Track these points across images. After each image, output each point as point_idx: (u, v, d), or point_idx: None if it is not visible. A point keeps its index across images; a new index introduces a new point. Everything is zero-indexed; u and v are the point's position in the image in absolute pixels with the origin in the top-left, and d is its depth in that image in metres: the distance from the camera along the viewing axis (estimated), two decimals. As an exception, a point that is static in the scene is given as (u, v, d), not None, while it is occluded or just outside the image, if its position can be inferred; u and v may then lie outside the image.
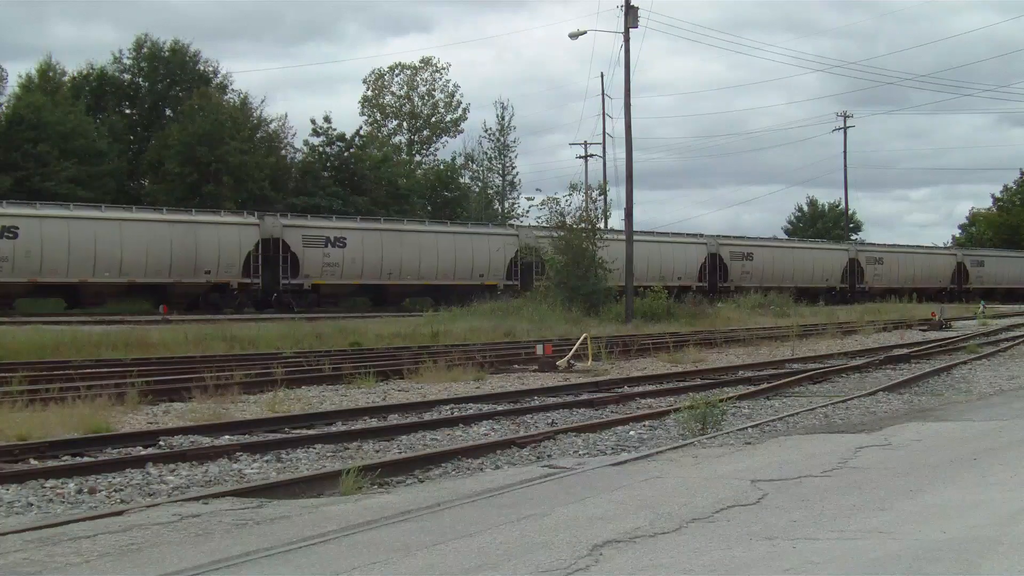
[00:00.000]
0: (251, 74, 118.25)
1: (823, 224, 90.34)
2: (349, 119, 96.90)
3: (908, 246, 71.08)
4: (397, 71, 77.19)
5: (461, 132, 78.19)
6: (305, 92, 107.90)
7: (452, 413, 13.04)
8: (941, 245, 76.57)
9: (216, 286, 40.32)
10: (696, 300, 42.19)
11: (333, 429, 11.69)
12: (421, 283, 45.54)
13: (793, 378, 17.00)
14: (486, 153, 77.43)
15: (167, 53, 59.29)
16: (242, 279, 40.57)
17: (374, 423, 12.24)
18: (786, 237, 75.97)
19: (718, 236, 58.26)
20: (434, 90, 77.21)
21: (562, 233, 37.64)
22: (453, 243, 46.78)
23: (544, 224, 39.26)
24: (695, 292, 47.52)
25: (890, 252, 66.98)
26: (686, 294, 44.99)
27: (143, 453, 10.08)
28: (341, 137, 59.41)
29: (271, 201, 51.87)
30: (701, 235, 57.84)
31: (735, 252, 57.19)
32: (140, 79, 59.71)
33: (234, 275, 40.45)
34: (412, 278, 45.21)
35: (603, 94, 56.79)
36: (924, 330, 33.54)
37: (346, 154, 59.14)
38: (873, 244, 70.57)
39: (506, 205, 78.81)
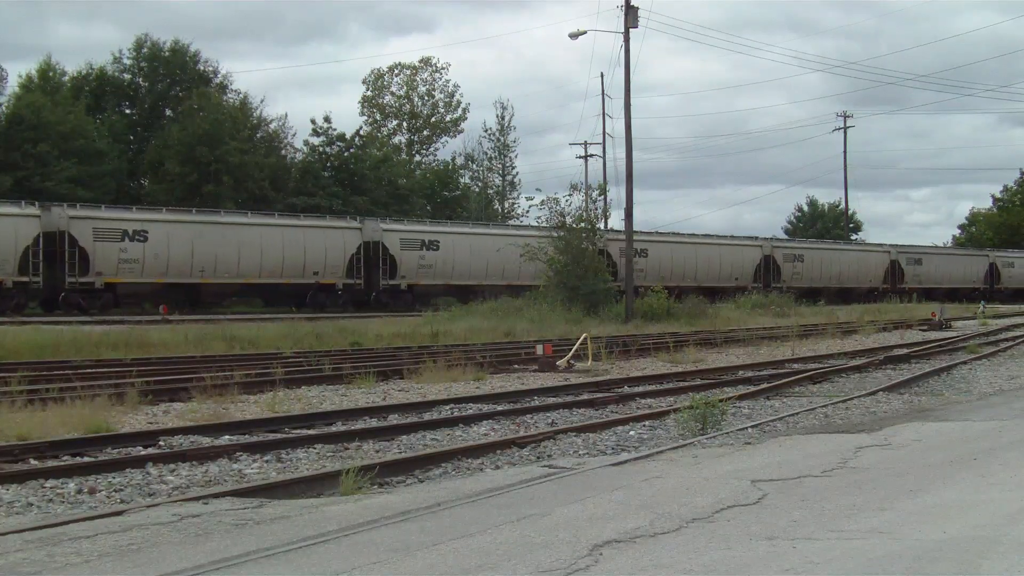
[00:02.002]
0: (252, 74, 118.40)
1: (823, 224, 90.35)
2: (350, 119, 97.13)
3: (832, 246, 70.54)
4: (397, 71, 77.27)
5: (461, 132, 78.35)
6: (306, 92, 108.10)
7: (452, 413, 13.04)
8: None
9: (322, 286, 42.69)
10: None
11: (333, 429, 11.69)
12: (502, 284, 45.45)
13: (793, 378, 17.00)
14: (486, 153, 77.52)
15: (167, 53, 59.29)
16: (346, 280, 43.16)
17: (374, 423, 12.24)
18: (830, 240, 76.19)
19: (772, 239, 61.74)
20: (434, 90, 77.31)
21: (562, 233, 37.65)
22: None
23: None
24: (750, 292, 49.49)
25: (928, 253, 69.45)
26: (742, 294, 47.77)
27: (143, 453, 10.08)
28: (341, 137, 59.46)
29: (271, 201, 51.90)
30: (756, 238, 60.54)
31: (787, 254, 59.78)
32: (140, 79, 59.72)
33: (339, 276, 43.07)
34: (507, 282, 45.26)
35: (603, 94, 56.88)
36: (924, 330, 33.54)
37: (346, 154, 59.17)
38: (913, 245, 72.19)
39: (506, 205, 78.90)
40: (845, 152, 76.22)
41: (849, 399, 14.05)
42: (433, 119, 77.32)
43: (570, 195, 38.67)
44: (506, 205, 78.66)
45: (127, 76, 59.75)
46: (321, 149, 59.45)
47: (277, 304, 42.32)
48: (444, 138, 78.01)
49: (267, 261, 41.11)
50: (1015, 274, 69.14)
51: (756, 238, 60.62)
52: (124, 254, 37.89)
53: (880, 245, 69.30)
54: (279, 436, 11.14)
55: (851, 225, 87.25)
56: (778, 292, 51.56)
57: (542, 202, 38.67)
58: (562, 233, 37.64)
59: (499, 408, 13.35)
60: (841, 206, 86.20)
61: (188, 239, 39.37)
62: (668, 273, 51.54)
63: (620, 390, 15.74)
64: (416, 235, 45.19)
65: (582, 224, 37.87)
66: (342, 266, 43.08)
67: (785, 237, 65.20)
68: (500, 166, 78.33)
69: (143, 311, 38.71)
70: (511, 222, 54.31)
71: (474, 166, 77.53)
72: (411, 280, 44.85)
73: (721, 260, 55.82)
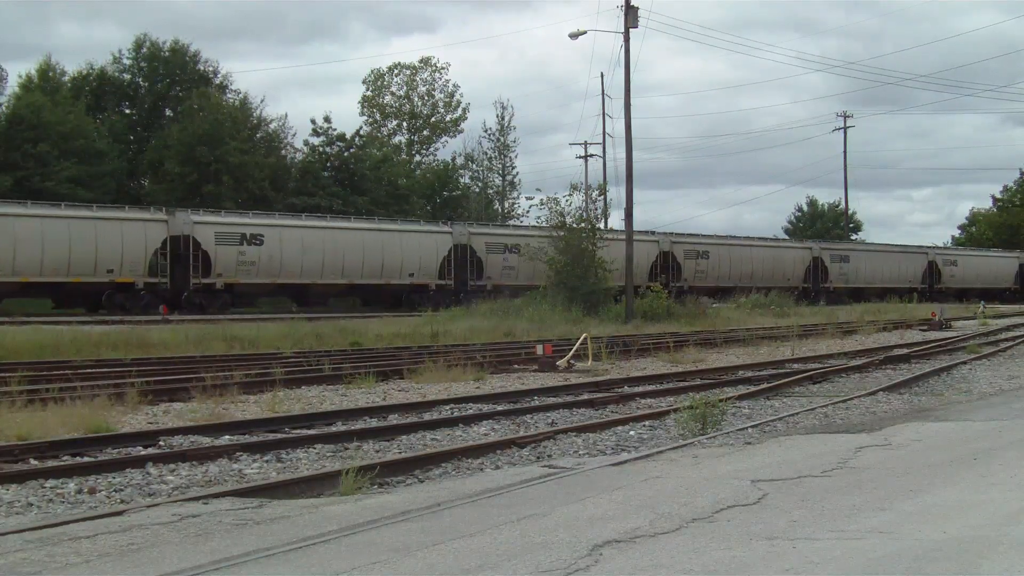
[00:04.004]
0: (255, 74, 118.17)
1: (822, 224, 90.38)
2: (352, 119, 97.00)
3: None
4: (396, 71, 77.26)
5: (461, 132, 78.31)
6: (308, 92, 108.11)
7: (452, 413, 13.04)
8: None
9: (416, 287, 44.92)
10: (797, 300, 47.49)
11: (333, 429, 11.69)
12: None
13: (793, 378, 17.00)
14: (486, 153, 77.51)
15: (167, 53, 59.30)
16: (439, 280, 45.36)
17: (374, 423, 12.24)
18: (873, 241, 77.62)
19: (819, 241, 65.17)
20: (434, 90, 77.30)
21: (562, 233, 37.65)
22: None
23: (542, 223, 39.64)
24: (800, 292, 51.67)
25: (963, 255, 72.59)
26: (794, 294, 50.47)
27: (143, 453, 10.07)
28: (341, 137, 59.45)
29: (271, 201, 51.91)
30: (805, 241, 64.51)
31: (833, 255, 62.56)
32: (140, 79, 59.72)
33: (431, 277, 45.24)
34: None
35: (603, 94, 56.86)
36: (924, 330, 33.55)
37: (346, 154, 59.16)
38: (949, 248, 75.78)
39: (506, 205, 78.90)
40: (845, 152, 76.38)
41: (849, 399, 14.04)
42: (433, 119, 77.33)
43: (570, 195, 38.75)
44: (506, 205, 78.72)
45: (127, 76, 59.76)
46: (321, 149, 59.45)
47: (377, 303, 44.02)
48: (444, 138, 78.10)
49: (367, 264, 43.22)
50: (849, 270, 66.23)
51: (805, 241, 64.42)
52: (243, 256, 40.16)
53: (919, 247, 71.98)
54: (279, 436, 11.14)
55: (851, 225, 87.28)
56: (827, 292, 55.36)
57: (542, 202, 38.76)
58: (562, 233, 37.66)
59: (499, 408, 13.34)
60: (841, 206, 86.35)
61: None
62: (727, 274, 54.88)
63: (620, 390, 15.74)
64: (234, 228, 41.03)
65: (582, 224, 37.89)
66: (435, 267, 44.97)
67: (831, 240, 69.54)
68: (500, 166, 78.35)
69: (260, 310, 40.74)
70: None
71: (474, 166, 77.58)
72: (496, 281, 45.85)
73: (775, 262, 58.53)
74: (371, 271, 43.51)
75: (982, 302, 52.36)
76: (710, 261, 54.67)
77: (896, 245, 73.00)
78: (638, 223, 39.67)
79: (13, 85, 55.07)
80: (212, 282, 39.34)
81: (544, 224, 39.63)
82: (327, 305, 43.74)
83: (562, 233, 37.69)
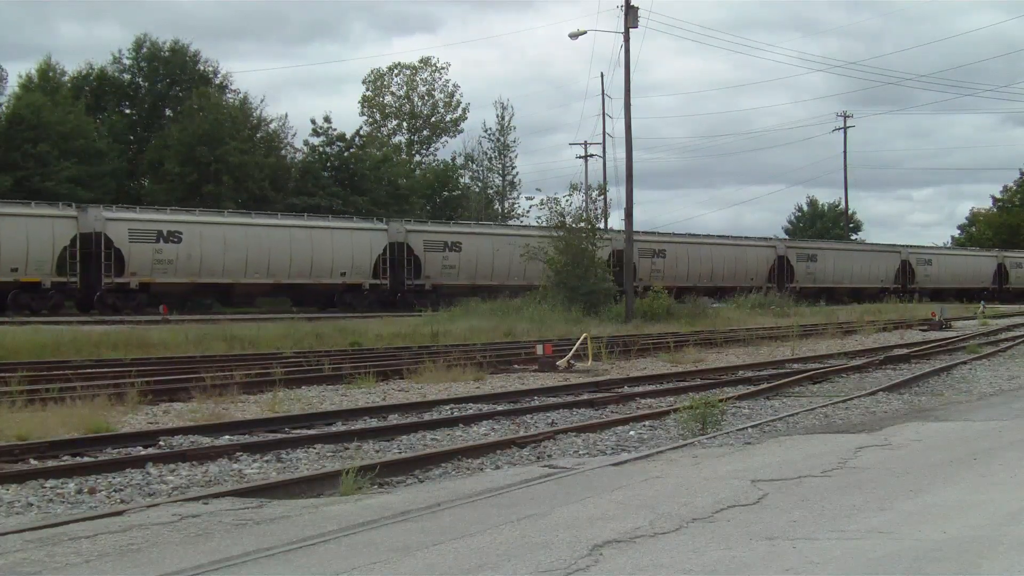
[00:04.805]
0: (256, 74, 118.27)
1: (822, 224, 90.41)
2: (353, 119, 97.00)
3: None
4: (396, 71, 77.28)
5: (461, 132, 78.36)
6: (310, 92, 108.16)
7: (452, 413, 13.03)
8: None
9: (349, 287, 43.22)
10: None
11: (333, 429, 11.68)
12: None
13: (793, 378, 16.99)
14: (486, 153, 77.52)
15: (167, 53, 59.31)
16: (372, 280, 43.74)
17: (374, 423, 12.24)
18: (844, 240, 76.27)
19: (786, 240, 63.11)
20: (433, 90, 77.32)
21: (562, 233, 37.66)
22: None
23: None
24: (764, 293, 49.99)
25: (938, 254, 70.68)
26: (756, 293, 48.27)
27: (143, 453, 10.07)
28: (341, 137, 59.45)
29: (271, 201, 51.91)
30: (770, 239, 61.80)
31: (800, 254, 60.60)
32: (140, 79, 59.72)
33: (365, 276, 43.59)
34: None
35: (603, 94, 56.90)
36: (924, 330, 33.54)
37: (346, 154, 59.16)
38: (924, 247, 72.74)
39: (506, 205, 78.92)
40: (845, 152, 76.34)
41: (849, 399, 14.04)
42: (433, 119, 77.35)
43: (570, 195, 38.75)
44: (506, 205, 78.74)
45: (127, 76, 59.76)
46: (321, 149, 59.45)
47: (308, 304, 42.94)
48: (444, 138, 78.13)
49: (295, 262, 41.64)
50: (815, 269, 64.13)
51: (770, 239, 61.62)
52: (159, 255, 38.50)
53: (892, 246, 70.05)
54: (279, 436, 11.14)
55: (851, 225, 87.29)
56: (791, 292, 52.52)
57: (542, 202, 38.76)
58: (562, 233, 37.66)
59: (499, 408, 13.34)
60: (841, 206, 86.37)
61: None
62: (685, 273, 52.87)
63: (620, 390, 15.73)
64: (150, 225, 39.62)
65: (582, 224, 37.88)
66: (369, 267, 43.47)
67: (799, 238, 67.43)
68: (500, 166, 78.37)
69: (180, 311, 38.80)
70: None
71: (474, 166, 77.60)
72: (436, 280, 45.21)
73: (736, 261, 56.85)
74: (299, 270, 41.84)
75: (982, 302, 52.32)
76: (666, 260, 52.81)
77: (868, 243, 71.95)
78: (638, 223, 39.71)
79: (13, 85, 55.17)
80: (126, 281, 37.55)
81: (489, 222, 39.26)
82: (254, 305, 42.24)
83: (562, 233, 37.67)
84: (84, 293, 37.44)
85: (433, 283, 45.15)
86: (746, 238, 60.36)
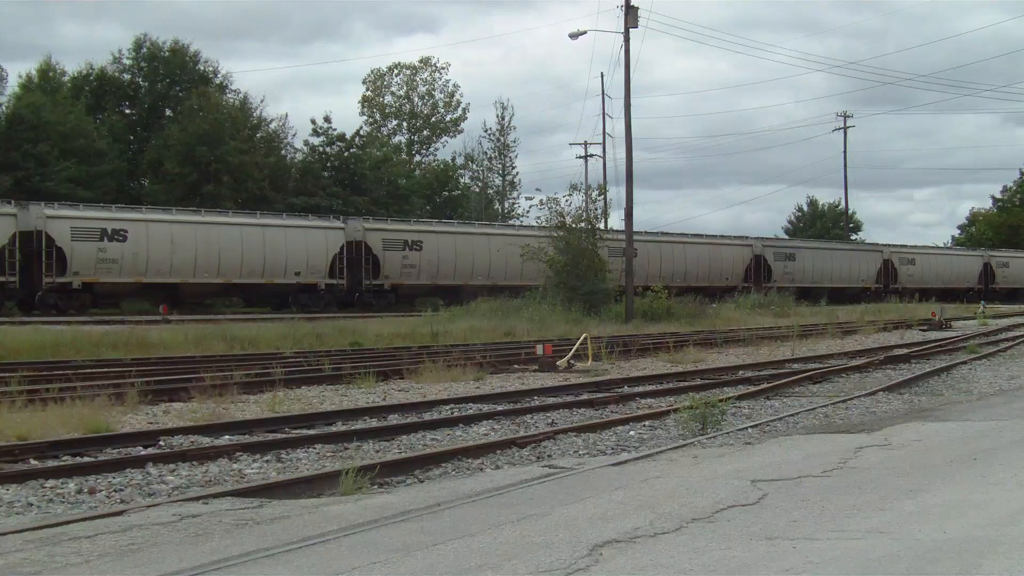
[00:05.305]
0: (258, 74, 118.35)
1: (822, 224, 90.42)
2: (353, 119, 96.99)
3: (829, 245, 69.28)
4: (396, 71, 77.30)
5: (461, 132, 78.39)
6: (311, 92, 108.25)
7: (452, 413, 13.03)
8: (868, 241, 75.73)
9: (304, 287, 42.06)
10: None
11: (333, 429, 11.68)
12: (487, 283, 44.65)
13: (793, 378, 16.98)
14: (486, 153, 77.55)
15: (167, 53, 59.32)
16: (328, 280, 42.45)
17: (374, 423, 12.24)
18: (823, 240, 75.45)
19: (762, 239, 61.34)
20: (434, 90, 77.35)
21: (562, 233, 37.65)
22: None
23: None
24: (740, 292, 49.46)
25: (922, 253, 69.32)
26: (733, 294, 47.92)
27: (143, 453, 10.08)
28: (341, 137, 59.47)
29: (271, 201, 51.91)
30: (747, 238, 60.40)
31: (777, 253, 59.65)
32: (140, 79, 59.74)
33: (321, 276, 42.34)
34: (482, 279, 45.25)
35: (603, 94, 56.89)
36: (924, 330, 33.54)
37: (346, 154, 59.17)
38: (907, 246, 71.32)
39: (506, 205, 78.95)
40: (845, 152, 76.35)
41: (849, 399, 14.04)
42: (433, 119, 77.36)
43: (570, 195, 38.73)
44: (506, 205, 78.77)
45: (127, 76, 59.77)
46: (321, 149, 59.46)
47: (262, 304, 42.14)
48: (444, 138, 78.15)
49: (247, 262, 40.42)
50: (794, 269, 62.90)
51: (746, 237, 60.25)
52: (103, 253, 37.06)
53: (873, 245, 69.15)
54: (279, 436, 11.14)
55: (851, 225, 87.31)
56: (768, 292, 50.83)
57: (542, 202, 38.74)
58: (562, 233, 37.66)
59: (499, 408, 13.34)
60: (841, 206, 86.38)
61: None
62: (656, 274, 50.31)
63: (620, 390, 15.73)
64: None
65: (582, 224, 37.88)
66: (324, 266, 42.12)
67: (776, 236, 65.72)
68: (500, 166, 78.40)
69: (121, 311, 38.20)
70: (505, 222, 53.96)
71: (474, 166, 77.62)
72: (395, 280, 44.11)
73: (711, 260, 55.67)
74: (251, 269, 40.41)
75: (982, 301, 52.30)
76: (637, 260, 50.70)
77: (848, 242, 70.94)
78: (639, 223, 39.69)
79: (13, 85, 55.22)
80: (68, 281, 36.26)
81: (451, 220, 38.83)
82: (205, 305, 40.78)
83: (562, 233, 37.66)
84: (25, 293, 36.05)
85: (392, 283, 44.02)
86: (722, 236, 59.32)
